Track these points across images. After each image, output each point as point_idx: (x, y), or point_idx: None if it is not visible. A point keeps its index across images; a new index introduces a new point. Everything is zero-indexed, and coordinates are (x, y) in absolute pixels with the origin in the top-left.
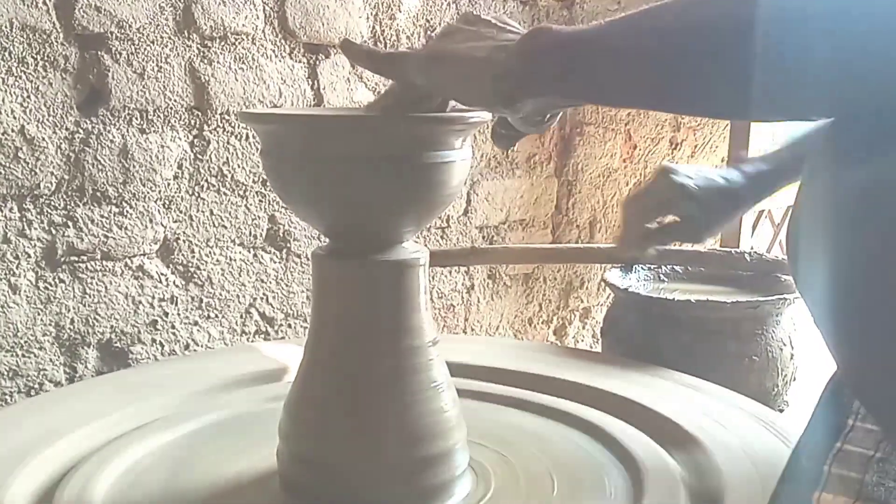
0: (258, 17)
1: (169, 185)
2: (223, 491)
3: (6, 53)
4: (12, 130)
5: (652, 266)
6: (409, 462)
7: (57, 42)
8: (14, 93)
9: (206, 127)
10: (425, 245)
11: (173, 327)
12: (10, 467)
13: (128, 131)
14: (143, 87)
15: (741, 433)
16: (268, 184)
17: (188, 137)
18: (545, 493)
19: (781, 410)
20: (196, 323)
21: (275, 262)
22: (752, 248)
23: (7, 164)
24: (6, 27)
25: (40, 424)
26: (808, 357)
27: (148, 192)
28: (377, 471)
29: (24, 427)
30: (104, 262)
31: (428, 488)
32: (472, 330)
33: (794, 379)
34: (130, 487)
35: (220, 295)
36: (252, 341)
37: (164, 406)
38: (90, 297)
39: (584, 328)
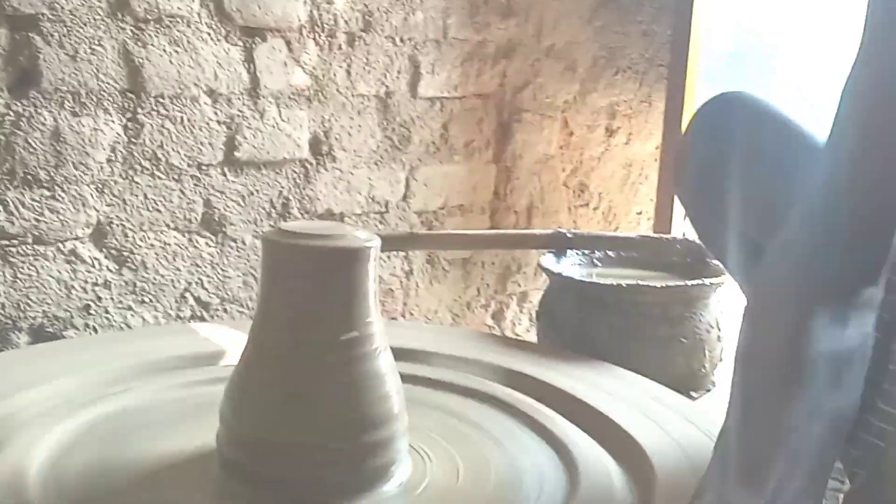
0: (193, 0)
1: (102, 168)
2: (161, 467)
3: None
4: None
5: (586, 251)
6: (351, 445)
7: None
8: None
9: (139, 110)
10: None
11: (107, 312)
12: None
13: (60, 114)
14: (76, 69)
15: (669, 426)
16: (203, 167)
17: (121, 121)
18: (482, 479)
19: (709, 390)
20: (130, 307)
21: (210, 247)
22: (683, 234)
23: None
24: None
25: None
26: (734, 339)
27: (80, 176)
28: (319, 454)
29: None
30: (36, 247)
31: (368, 472)
32: (411, 314)
33: (721, 360)
34: (66, 459)
35: (155, 279)
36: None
37: (100, 381)
38: (21, 281)
39: (521, 312)
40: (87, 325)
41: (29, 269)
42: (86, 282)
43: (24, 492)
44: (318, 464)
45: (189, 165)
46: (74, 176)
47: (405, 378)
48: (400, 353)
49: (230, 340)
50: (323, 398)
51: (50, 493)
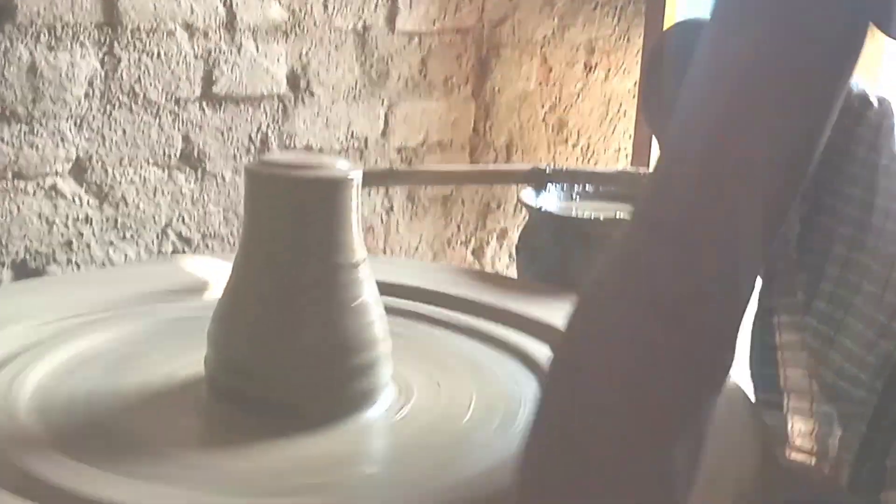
0: None
1: (80, 103)
2: (150, 394)
3: None
4: None
5: (565, 186)
6: (336, 371)
7: None
8: None
9: (116, 44)
10: None
11: (89, 247)
12: None
13: (35, 48)
14: (51, 2)
15: None
16: (181, 102)
17: (98, 55)
18: (464, 403)
19: None
20: (112, 243)
21: (190, 182)
22: None
23: None
24: None
25: None
26: None
27: (59, 111)
28: (304, 379)
29: None
30: (16, 182)
31: (353, 396)
32: (392, 251)
33: None
34: (56, 388)
35: (136, 215)
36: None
37: (84, 312)
38: (2, 216)
39: (501, 248)
40: (69, 261)
41: (10, 204)
42: (67, 217)
43: (18, 419)
44: (303, 389)
45: (167, 100)
46: (52, 111)
47: (387, 311)
48: (382, 287)
49: (214, 272)
50: (307, 326)
51: (42, 420)
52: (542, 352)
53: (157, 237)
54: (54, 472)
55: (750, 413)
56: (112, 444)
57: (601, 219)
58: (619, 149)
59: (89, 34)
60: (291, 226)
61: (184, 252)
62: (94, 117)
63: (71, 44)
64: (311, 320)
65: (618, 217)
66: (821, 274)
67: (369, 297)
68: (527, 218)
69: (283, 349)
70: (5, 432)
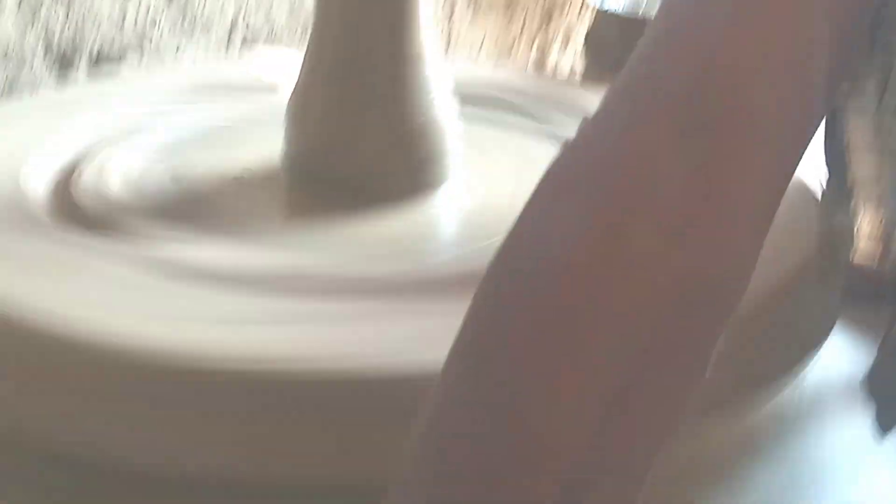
0: None
1: None
2: (231, 177)
3: None
4: None
5: None
6: (405, 151)
7: None
8: None
9: None
10: None
11: (159, 46)
12: (19, 157)
13: None
14: None
15: None
16: None
17: None
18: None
19: None
20: (182, 39)
21: None
22: None
23: None
24: None
25: (33, 123)
26: None
27: None
28: (375, 160)
29: (17, 125)
30: None
31: (423, 177)
32: (453, 54)
33: None
34: (140, 172)
35: (203, 13)
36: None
37: (160, 105)
38: (75, 12)
39: (565, 51)
40: (141, 59)
41: (80, 4)
42: (136, 16)
43: (109, 197)
44: (375, 169)
45: None
46: None
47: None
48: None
49: (288, 65)
50: (377, 110)
51: (131, 198)
52: None
53: (227, 33)
54: (151, 244)
55: (815, 207)
56: (199, 220)
57: None
58: None
59: None
60: (360, 15)
61: (253, 48)
62: None
63: None
64: (381, 105)
65: None
66: (890, 68)
67: (438, 85)
68: (592, 19)
69: (354, 132)
70: (102, 209)
